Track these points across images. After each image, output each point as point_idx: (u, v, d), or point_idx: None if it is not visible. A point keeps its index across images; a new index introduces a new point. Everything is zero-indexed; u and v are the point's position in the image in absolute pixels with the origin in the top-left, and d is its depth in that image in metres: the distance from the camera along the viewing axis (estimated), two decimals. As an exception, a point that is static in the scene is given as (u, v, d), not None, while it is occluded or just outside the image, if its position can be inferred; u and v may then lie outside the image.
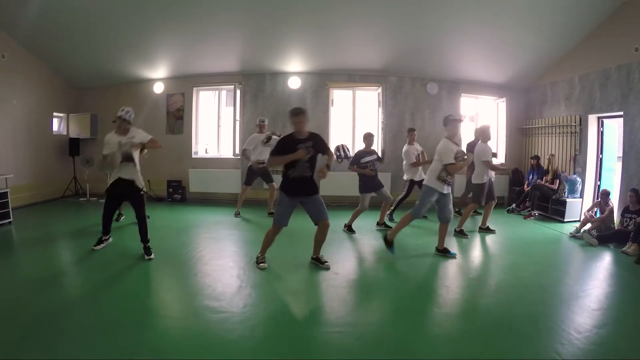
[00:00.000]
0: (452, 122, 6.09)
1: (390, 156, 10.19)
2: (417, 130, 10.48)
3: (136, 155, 5.95)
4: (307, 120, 5.29)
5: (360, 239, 7.30)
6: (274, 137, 8.62)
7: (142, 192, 6.00)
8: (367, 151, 7.71)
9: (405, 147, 8.79)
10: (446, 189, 6.08)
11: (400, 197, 8.87)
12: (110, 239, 6.40)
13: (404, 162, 8.79)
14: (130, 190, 5.88)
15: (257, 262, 5.58)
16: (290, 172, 5.25)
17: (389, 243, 6.19)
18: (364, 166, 7.55)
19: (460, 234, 7.55)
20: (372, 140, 7.84)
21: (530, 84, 11.00)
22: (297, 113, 5.24)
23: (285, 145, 5.24)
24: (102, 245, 6.19)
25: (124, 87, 11.30)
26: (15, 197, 8.53)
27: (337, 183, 10.22)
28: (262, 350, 3.43)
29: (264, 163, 8.60)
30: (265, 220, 8.69)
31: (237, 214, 9.04)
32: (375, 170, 7.68)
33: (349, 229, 7.69)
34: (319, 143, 5.35)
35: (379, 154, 8.07)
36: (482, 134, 7.73)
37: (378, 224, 7.97)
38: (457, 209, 9.52)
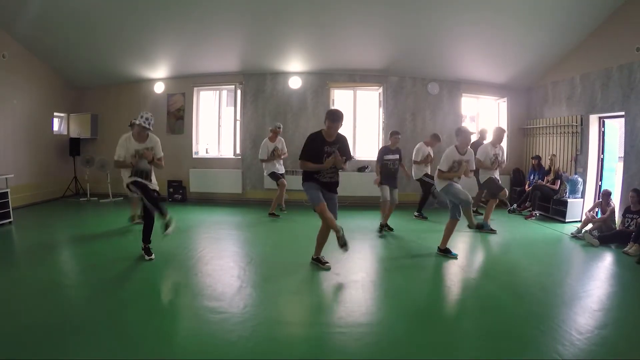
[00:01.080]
0: (463, 134, 6.16)
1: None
2: (418, 130, 10.59)
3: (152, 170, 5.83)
4: (341, 125, 5.26)
5: (360, 239, 7.26)
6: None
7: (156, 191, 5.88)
8: (392, 149, 7.78)
9: (419, 145, 8.89)
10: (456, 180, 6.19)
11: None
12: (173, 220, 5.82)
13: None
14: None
15: (321, 263, 5.55)
16: (317, 175, 5.28)
17: (444, 251, 6.24)
18: (384, 163, 7.70)
19: (488, 230, 7.83)
20: (398, 139, 7.87)
21: (532, 83, 10.99)
22: (337, 120, 5.16)
23: (313, 146, 5.23)
24: (170, 229, 5.64)
25: (124, 87, 11.30)
26: (16, 197, 8.53)
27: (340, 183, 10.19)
28: (263, 351, 3.41)
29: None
30: (266, 220, 8.68)
31: (271, 213, 8.95)
32: (396, 170, 7.81)
33: (386, 228, 7.79)
34: (344, 148, 5.38)
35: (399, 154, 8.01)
36: (493, 135, 7.96)
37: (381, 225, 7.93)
38: (474, 209, 9.59)
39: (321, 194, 5.27)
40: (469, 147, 6.27)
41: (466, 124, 11.22)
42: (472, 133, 6.37)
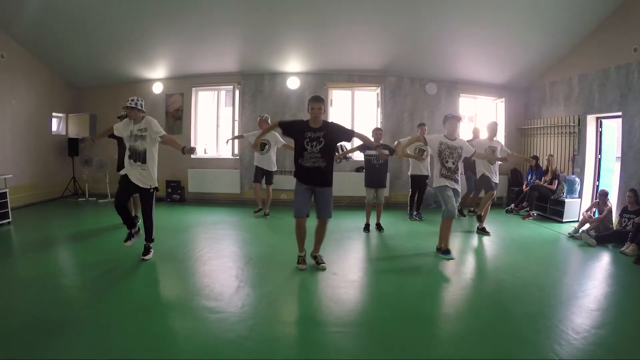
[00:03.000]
0: (449, 120, 6.12)
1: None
2: (415, 130, 10.49)
3: (154, 150, 5.66)
4: (324, 109, 5.26)
5: (357, 239, 7.30)
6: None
7: (152, 190, 5.71)
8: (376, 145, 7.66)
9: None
10: (455, 185, 6.09)
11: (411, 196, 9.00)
12: (140, 231, 5.93)
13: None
14: (140, 189, 5.66)
15: (297, 262, 5.55)
16: (300, 160, 5.24)
17: (445, 251, 6.07)
18: (367, 158, 7.72)
19: (482, 231, 7.71)
20: (381, 135, 7.87)
21: (529, 84, 11.01)
22: (315, 99, 5.20)
23: (293, 127, 5.36)
24: (132, 240, 5.79)
25: (123, 87, 11.26)
26: (15, 197, 8.52)
27: (335, 183, 10.15)
28: (260, 351, 3.42)
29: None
30: (264, 220, 8.70)
31: (266, 214, 9.11)
32: (381, 166, 7.70)
33: (378, 228, 7.83)
34: (332, 132, 5.26)
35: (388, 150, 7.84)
36: (487, 130, 7.86)
37: (376, 225, 7.94)
38: (472, 209, 9.62)
39: (308, 196, 5.39)
40: (458, 136, 6.21)
41: (464, 123, 11.19)
42: (459, 119, 6.28)
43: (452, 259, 5.97)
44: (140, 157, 5.54)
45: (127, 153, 5.61)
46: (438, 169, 6.07)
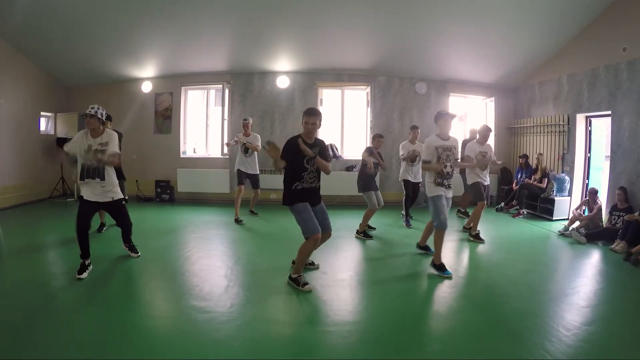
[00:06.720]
0: (442, 117, 5.59)
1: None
2: (405, 129, 10.49)
3: (110, 169, 5.21)
4: (319, 124, 4.87)
5: (347, 238, 7.27)
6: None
7: (123, 202, 5.45)
8: (376, 152, 7.53)
9: (403, 142, 8.47)
10: (450, 193, 5.57)
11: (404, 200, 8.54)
12: (91, 266, 5.17)
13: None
14: (107, 205, 5.25)
15: (300, 285, 4.79)
16: (296, 185, 4.76)
17: (439, 268, 5.40)
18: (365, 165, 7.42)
19: (475, 238, 7.27)
20: (381, 142, 7.66)
21: (519, 83, 11.06)
22: (311, 113, 4.80)
23: (293, 148, 4.70)
24: (86, 273, 5.02)
25: (112, 86, 11.21)
26: (2, 199, 8.47)
27: (326, 182, 10.13)
28: (249, 350, 3.40)
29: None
30: (253, 219, 8.66)
31: (237, 219, 8.48)
32: (376, 172, 7.54)
33: (364, 234, 7.36)
34: (323, 151, 4.95)
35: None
36: (479, 134, 7.54)
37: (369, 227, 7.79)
38: (463, 210, 9.39)
39: (313, 215, 4.81)
40: (451, 135, 5.70)
41: (456, 122, 11.18)
42: (454, 117, 5.72)
43: (450, 277, 5.29)
44: (98, 172, 5.07)
45: (78, 171, 5.13)
46: (433, 177, 5.52)
